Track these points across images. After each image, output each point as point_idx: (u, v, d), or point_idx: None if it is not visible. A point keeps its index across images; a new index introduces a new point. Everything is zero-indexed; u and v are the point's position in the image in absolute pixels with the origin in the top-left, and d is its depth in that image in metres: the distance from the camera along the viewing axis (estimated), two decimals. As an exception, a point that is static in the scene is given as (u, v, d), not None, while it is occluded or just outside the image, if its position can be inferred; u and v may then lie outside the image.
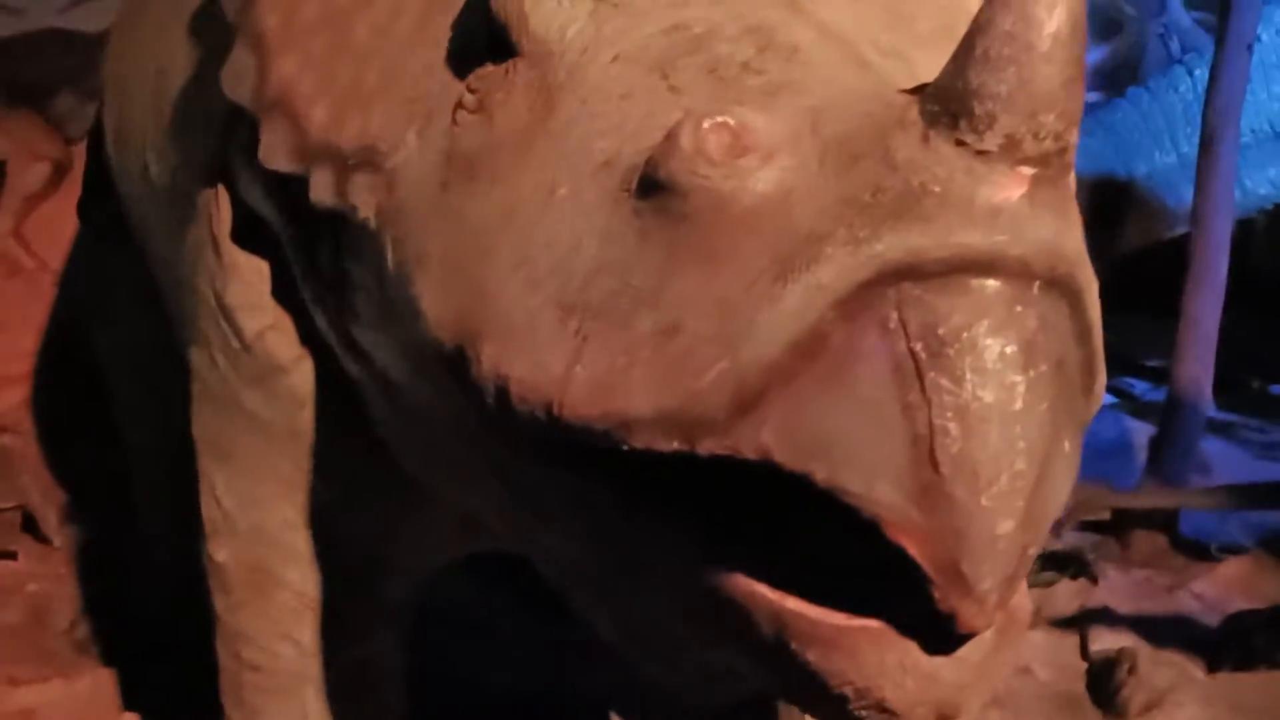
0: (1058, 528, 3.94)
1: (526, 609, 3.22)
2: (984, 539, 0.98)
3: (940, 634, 1.03)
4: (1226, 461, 4.62)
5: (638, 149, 1.15)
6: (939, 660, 1.05)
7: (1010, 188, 0.98)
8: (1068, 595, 3.55)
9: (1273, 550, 3.75)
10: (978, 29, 0.97)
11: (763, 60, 1.19)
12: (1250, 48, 3.93)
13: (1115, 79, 8.47)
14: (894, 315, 0.99)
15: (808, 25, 1.23)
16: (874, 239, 0.99)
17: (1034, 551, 1.03)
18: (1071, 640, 3.36)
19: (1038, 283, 1.00)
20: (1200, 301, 4.05)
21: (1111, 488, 4.27)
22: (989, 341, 0.97)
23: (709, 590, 1.12)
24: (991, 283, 0.98)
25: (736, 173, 1.05)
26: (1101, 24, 8.51)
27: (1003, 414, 0.97)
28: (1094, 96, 8.53)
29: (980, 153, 0.98)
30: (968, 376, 0.97)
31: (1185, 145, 4.70)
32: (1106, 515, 4.11)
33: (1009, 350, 0.98)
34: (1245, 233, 7.82)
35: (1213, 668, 3.14)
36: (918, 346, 0.98)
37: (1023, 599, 1.12)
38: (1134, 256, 6.46)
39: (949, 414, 0.97)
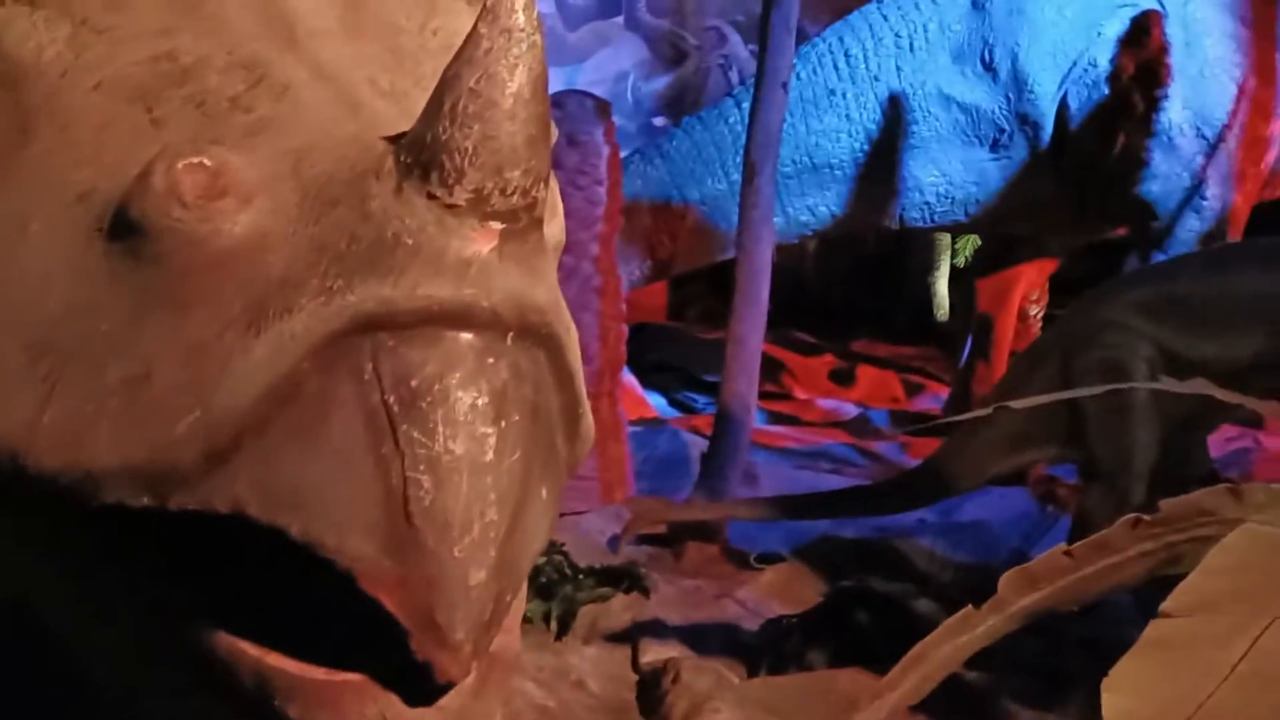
0: (615, 543, 4.07)
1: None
2: (456, 589, 0.98)
3: (421, 684, 1.03)
4: (772, 473, 4.90)
5: (114, 184, 1.09)
6: (420, 711, 1.05)
7: (479, 241, 1.00)
8: (621, 609, 3.65)
9: (806, 557, 4.01)
10: (445, 84, 0.98)
11: (252, 97, 1.16)
12: (786, 86, 4.19)
13: (679, 105, 8.91)
14: (368, 366, 0.98)
15: (302, 62, 1.21)
16: (346, 289, 0.98)
17: (511, 598, 1.05)
18: (624, 653, 3.46)
19: (511, 333, 1.02)
20: (744, 323, 4.29)
21: (666, 502, 4.46)
22: (460, 393, 0.99)
23: (191, 645, 1.08)
24: (464, 335, 1.00)
25: (211, 215, 1.02)
26: (666, 54, 8.91)
27: (474, 465, 0.98)
28: (661, 121, 8.94)
29: (451, 206, 0.99)
30: (439, 429, 0.98)
31: (734, 173, 4.97)
32: (663, 529, 4.27)
33: (480, 402, 0.99)
34: (798, 255, 8.36)
35: (751, 672, 3.32)
36: (391, 398, 0.98)
37: (509, 642, 1.13)
38: (697, 277, 6.78)
39: (421, 466, 0.97)
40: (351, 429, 0.98)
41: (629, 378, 5.63)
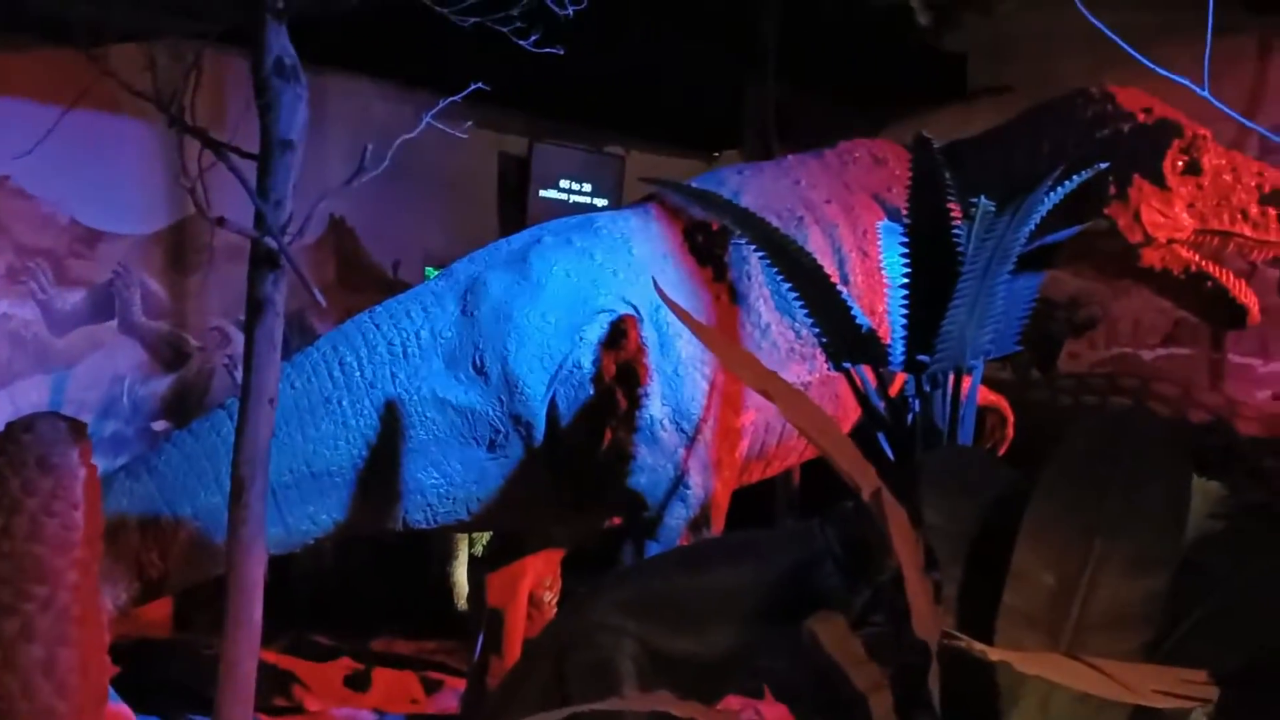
0: None
1: None
2: None
3: None
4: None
5: None
6: None
7: None
8: None
9: None
10: None
11: None
12: (273, 401, 4.16)
13: (182, 407, 8.68)
14: None
15: None
16: None
17: None
18: None
19: None
20: (235, 645, 4.10)
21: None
22: None
23: None
24: None
25: None
26: (166, 355, 8.71)
27: None
28: (161, 424, 8.65)
29: None
30: None
31: (229, 485, 4.83)
32: None
33: None
34: (316, 551, 8.20)
35: None
36: None
37: None
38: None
39: None
40: None
41: (120, 707, 5.24)
